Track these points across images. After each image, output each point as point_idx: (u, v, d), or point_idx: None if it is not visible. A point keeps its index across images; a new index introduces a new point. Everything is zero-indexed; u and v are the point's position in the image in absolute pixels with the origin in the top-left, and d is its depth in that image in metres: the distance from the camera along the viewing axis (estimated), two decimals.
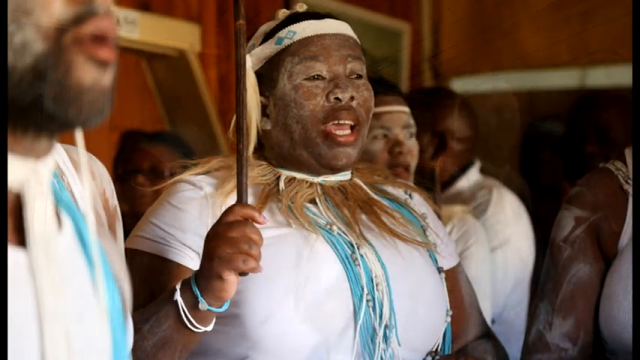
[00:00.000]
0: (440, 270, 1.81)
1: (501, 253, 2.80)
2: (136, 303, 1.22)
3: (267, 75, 1.76)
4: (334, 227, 1.72)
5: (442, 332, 1.77)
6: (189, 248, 1.67)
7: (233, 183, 1.65)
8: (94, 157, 1.58)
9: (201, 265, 1.54)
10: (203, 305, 1.53)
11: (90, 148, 1.11)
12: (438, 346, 1.77)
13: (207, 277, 1.51)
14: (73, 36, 0.87)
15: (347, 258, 1.68)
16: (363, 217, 1.77)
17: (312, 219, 1.72)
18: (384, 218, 1.77)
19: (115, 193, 1.61)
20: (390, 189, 1.87)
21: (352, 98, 1.74)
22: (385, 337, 1.67)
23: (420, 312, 1.72)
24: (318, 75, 1.74)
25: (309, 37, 1.75)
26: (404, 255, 1.74)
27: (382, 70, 4.49)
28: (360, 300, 1.66)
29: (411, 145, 2.43)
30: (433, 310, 1.74)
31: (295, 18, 1.78)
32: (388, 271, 1.71)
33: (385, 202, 1.82)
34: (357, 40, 1.81)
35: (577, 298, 1.81)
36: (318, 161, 1.75)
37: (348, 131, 1.74)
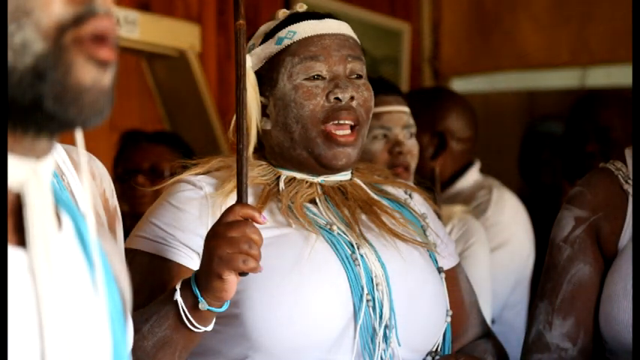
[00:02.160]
0: (440, 270, 1.81)
1: (501, 253, 2.80)
2: (136, 303, 1.22)
3: (267, 75, 1.76)
4: (334, 227, 1.72)
5: (442, 332, 1.77)
6: (189, 248, 1.67)
7: (233, 183, 1.65)
8: (94, 157, 1.58)
9: (201, 265, 1.54)
10: (203, 305, 1.53)
11: (90, 148, 1.11)
12: (438, 346, 1.77)
13: (207, 277, 1.51)
14: (73, 36, 0.87)
15: (347, 258, 1.68)
16: (363, 217, 1.77)
17: (312, 219, 1.72)
18: (384, 218, 1.77)
19: (115, 193, 1.61)
20: (390, 189, 1.87)
21: (352, 98, 1.74)
22: (385, 337, 1.67)
23: (420, 312, 1.72)
24: (318, 75, 1.74)
25: (309, 37, 1.75)
26: (404, 255, 1.74)
27: (382, 70, 4.48)
28: (360, 300, 1.66)
29: (411, 145, 2.43)
30: (433, 310, 1.74)
31: (295, 18, 1.78)
32: (388, 271, 1.71)
33: (385, 202, 1.82)
34: (357, 40, 1.81)
35: (577, 298, 1.81)
36: (318, 161, 1.74)
37: (348, 131, 1.74)
